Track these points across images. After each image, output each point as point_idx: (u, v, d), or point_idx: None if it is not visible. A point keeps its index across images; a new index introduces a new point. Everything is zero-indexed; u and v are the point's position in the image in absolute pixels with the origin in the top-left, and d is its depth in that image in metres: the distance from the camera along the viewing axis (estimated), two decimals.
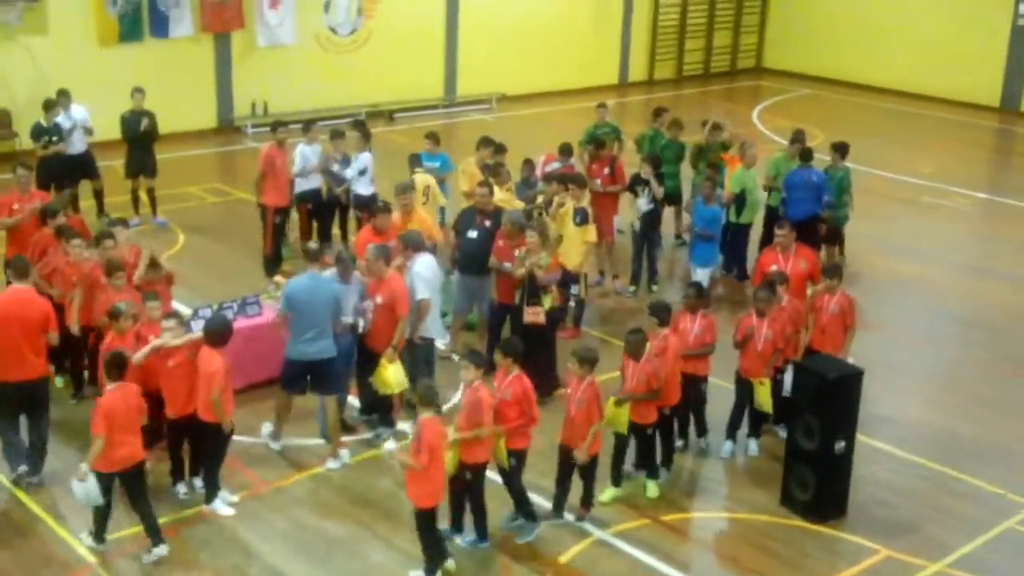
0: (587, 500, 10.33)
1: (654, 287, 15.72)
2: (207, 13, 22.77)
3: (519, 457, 9.86)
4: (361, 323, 11.35)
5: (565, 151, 15.86)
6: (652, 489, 10.81)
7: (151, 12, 22.08)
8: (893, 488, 11.22)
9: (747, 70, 33.09)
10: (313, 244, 12.80)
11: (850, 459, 10.59)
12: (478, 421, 9.34)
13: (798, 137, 16.55)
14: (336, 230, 16.39)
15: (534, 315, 12.24)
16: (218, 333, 10.07)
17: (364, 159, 15.68)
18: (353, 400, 11.99)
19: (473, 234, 13.11)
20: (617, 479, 10.72)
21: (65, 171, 16.78)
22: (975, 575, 9.86)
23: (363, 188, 15.62)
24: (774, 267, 12.45)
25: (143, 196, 17.57)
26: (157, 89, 19.23)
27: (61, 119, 16.72)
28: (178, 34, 22.52)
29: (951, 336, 15.16)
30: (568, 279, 13.47)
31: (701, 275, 14.58)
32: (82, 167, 17.05)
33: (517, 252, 12.41)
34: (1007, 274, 17.31)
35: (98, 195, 17.34)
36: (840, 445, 10.40)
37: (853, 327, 11.88)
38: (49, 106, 16.68)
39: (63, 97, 16.92)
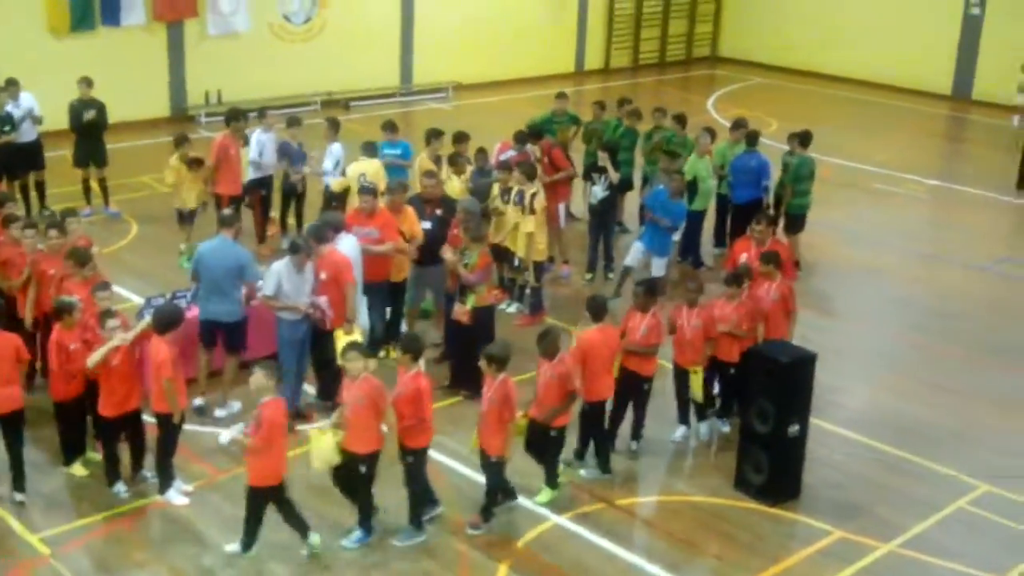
0: (485, 509, 10.05)
1: (610, 275, 15.77)
2: (159, 1, 22.50)
3: (415, 455, 9.63)
4: (324, 315, 11.38)
5: (520, 139, 15.86)
6: (543, 495, 10.47)
7: (103, 0, 21.82)
8: (846, 471, 11.33)
9: (702, 59, 33.23)
10: (228, 211, 12.95)
11: (803, 442, 10.70)
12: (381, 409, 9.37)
13: (739, 123, 16.69)
14: (291, 220, 16.30)
15: (460, 314, 12.17)
16: (167, 321, 9.99)
17: (336, 150, 15.64)
18: (309, 388, 12.00)
19: (427, 225, 13.08)
20: (552, 480, 10.51)
21: (14, 160, 16.58)
22: (927, 555, 10.00)
23: (334, 176, 15.58)
24: (744, 256, 12.55)
25: (94, 186, 17.40)
26: (109, 78, 19.03)
27: (10, 108, 16.51)
28: (130, 22, 22.24)
29: (903, 321, 15.32)
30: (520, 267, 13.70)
31: (658, 264, 14.62)
32: (31, 157, 16.83)
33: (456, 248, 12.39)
34: (958, 260, 17.51)
35: (40, 186, 17.08)
36: (794, 428, 10.50)
37: (794, 312, 11.94)
38: None
39: (11, 86, 16.70)
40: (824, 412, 11.85)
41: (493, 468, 9.93)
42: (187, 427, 10.57)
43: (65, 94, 17.31)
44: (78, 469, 10.54)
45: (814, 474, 10.98)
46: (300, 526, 9.45)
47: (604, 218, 15.68)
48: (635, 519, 10.42)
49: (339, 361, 9.73)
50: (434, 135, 15.45)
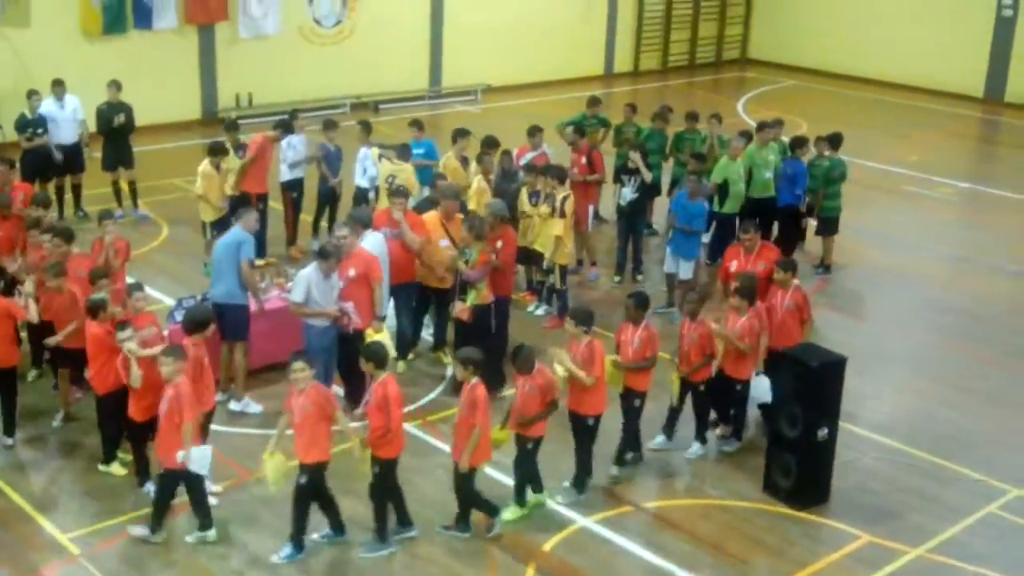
0: (461, 516, 9.86)
1: (638, 276, 15.76)
2: (191, 5, 22.70)
3: (382, 466, 9.45)
4: (350, 320, 11.42)
5: (532, 133, 15.91)
6: (508, 512, 10.15)
7: (135, 3, 21.98)
8: (875, 475, 11.27)
9: (732, 61, 33.13)
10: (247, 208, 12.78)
11: (833, 446, 10.64)
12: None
13: (764, 125, 16.50)
14: (323, 223, 16.34)
15: (461, 312, 12.15)
16: (197, 322, 10.08)
17: (367, 153, 15.70)
18: (337, 389, 12.04)
19: None
20: (520, 499, 10.21)
21: (48, 163, 16.74)
22: (956, 560, 9.92)
23: (366, 181, 15.66)
24: (734, 264, 12.57)
25: (124, 188, 17.52)
26: (141, 81, 19.24)
27: (53, 109, 16.66)
28: (162, 26, 22.43)
29: (934, 325, 15.21)
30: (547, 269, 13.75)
31: (685, 268, 14.50)
32: (70, 160, 16.98)
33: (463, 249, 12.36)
34: (989, 263, 17.38)
35: (76, 189, 17.27)
36: (823, 432, 10.45)
37: (809, 321, 11.81)
38: (31, 96, 16.62)
39: (58, 87, 16.86)
40: (854, 416, 11.80)
41: (460, 478, 9.71)
42: (217, 427, 10.64)
43: (97, 98, 17.47)
44: (117, 468, 10.62)
45: (843, 478, 10.92)
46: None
47: (633, 220, 15.65)
48: (662, 522, 10.38)
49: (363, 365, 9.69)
50: (460, 134, 15.48)
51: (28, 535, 9.80)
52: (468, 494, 9.79)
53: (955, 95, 28.26)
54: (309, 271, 11.34)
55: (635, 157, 15.40)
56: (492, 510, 9.92)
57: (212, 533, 9.66)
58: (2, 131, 20.38)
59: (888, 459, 11.59)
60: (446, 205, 12.91)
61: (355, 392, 11.74)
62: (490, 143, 15.28)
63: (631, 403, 10.83)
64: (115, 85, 17.22)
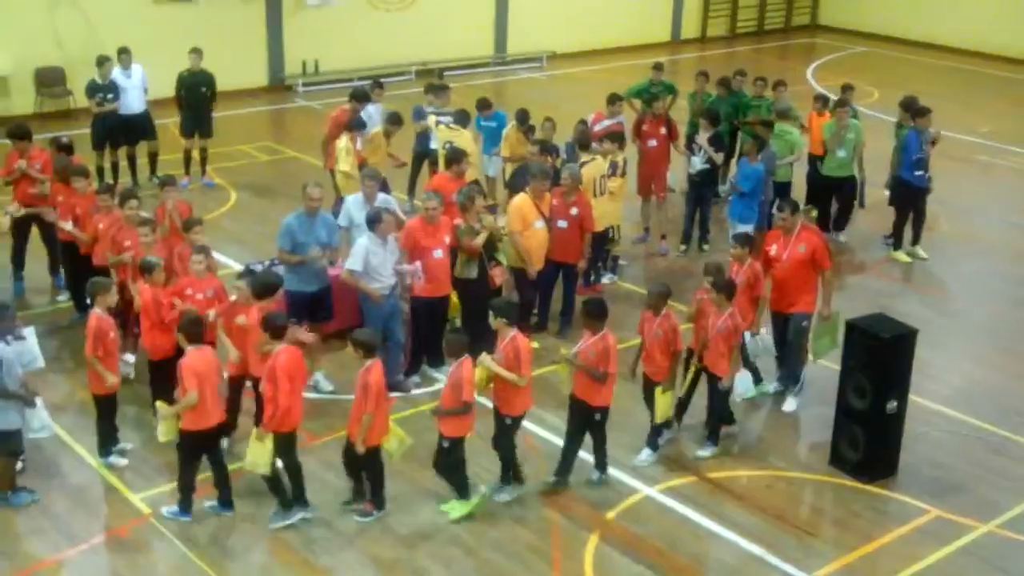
0: (374, 495, 9.62)
1: (705, 246, 15.63)
2: None
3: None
4: (414, 280, 11.45)
5: (612, 101, 15.76)
6: (453, 508, 9.75)
7: None
8: (945, 448, 11.11)
9: (801, 27, 32.64)
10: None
11: (902, 419, 10.50)
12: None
13: (844, 102, 15.94)
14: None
15: (499, 275, 12.19)
16: (265, 285, 10.14)
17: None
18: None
19: None
20: (463, 491, 9.77)
21: (121, 131, 16.94)
22: None
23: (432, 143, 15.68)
24: (774, 247, 11.53)
25: (195, 155, 17.69)
26: (209, 47, 19.20)
27: (119, 77, 16.84)
28: None
29: (1007, 296, 14.93)
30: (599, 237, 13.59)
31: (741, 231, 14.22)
32: (140, 127, 17.16)
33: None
34: None
35: (152, 157, 17.46)
36: (892, 405, 10.31)
37: (763, 297, 11.30)
38: (102, 63, 16.80)
39: (124, 55, 17.00)
40: (924, 389, 11.62)
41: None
42: None
43: (165, 64, 17.65)
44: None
45: (912, 452, 10.78)
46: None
47: (702, 190, 15.47)
48: (726, 492, 10.32)
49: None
50: (519, 118, 15.43)
51: (100, 494, 9.98)
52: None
53: None
54: (365, 240, 11.26)
55: (705, 125, 15.22)
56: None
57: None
58: (72, 97, 20.68)
59: (958, 433, 11.42)
60: (535, 185, 12.54)
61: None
62: (523, 118, 15.38)
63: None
64: (197, 53, 17.30)
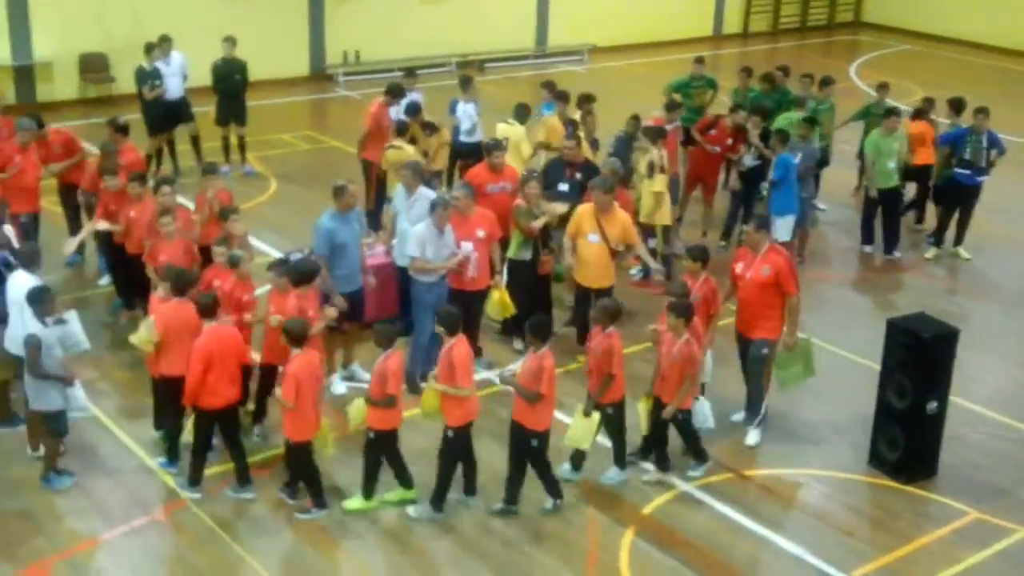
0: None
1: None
2: None
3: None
4: (470, 268, 11.43)
5: (670, 107, 15.54)
6: (414, 510, 9.65)
7: None
8: (985, 450, 11.01)
9: (845, 24, 32.38)
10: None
11: (942, 420, 10.41)
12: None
13: (893, 111, 15.69)
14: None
15: (549, 264, 12.21)
16: (302, 272, 10.20)
17: (471, 110, 15.76)
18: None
19: (564, 187, 13.04)
20: (368, 491, 9.66)
21: (163, 117, 17.07)
22: None
23: (468, 136, 15.67)
24: (739, 264, 10.76)
25: (234, 142, 17.77)
26: (251, 36, 19.41)
27: (160, 64, 16.95)
28: None
29: None
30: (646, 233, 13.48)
31: (781, 225, 13.82)
32: (179, 111, 17.29)
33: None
34: None
35: (195, 140, 17.56)
36: (932, 405, 10.22)
37: (717, 314, 10.69)
38: (150, 49, 16.92)
39: (164, 42, 17.12)
40: (965, 390, 11.51)
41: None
42: None
43: (208, 52, 17.69)
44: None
45: (952, 453, 10.68)
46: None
47: (749, 187, 15.36)
48: (763, 490, 10.27)
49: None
50: (559, 97, 15.40)
51: (139, 479, 10.05)
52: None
53: None
54: (422, 228, 11.17)
55: (754, 121, 15.12)
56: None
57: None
58: (115, 82, 20.83)
59: (1000, 435, 11.31)
60: (599, 198, 11.71)
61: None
62: (587, 98, 15.24)
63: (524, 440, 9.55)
64: (230, 41, 17.40)
